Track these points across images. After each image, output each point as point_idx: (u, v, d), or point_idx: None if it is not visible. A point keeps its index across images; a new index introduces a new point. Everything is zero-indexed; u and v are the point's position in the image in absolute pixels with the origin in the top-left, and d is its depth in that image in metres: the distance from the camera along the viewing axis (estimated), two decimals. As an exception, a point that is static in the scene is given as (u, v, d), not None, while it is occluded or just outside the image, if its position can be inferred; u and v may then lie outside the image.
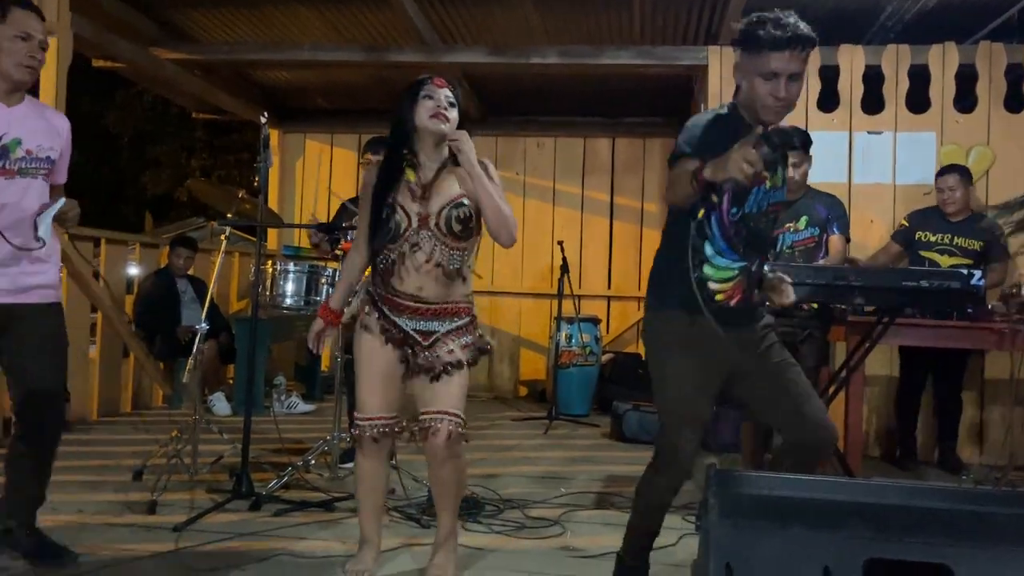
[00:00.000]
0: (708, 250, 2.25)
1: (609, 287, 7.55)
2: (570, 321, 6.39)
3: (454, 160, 2.52)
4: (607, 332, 7.33)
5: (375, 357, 2.56)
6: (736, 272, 2.27)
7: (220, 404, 5.77)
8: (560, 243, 6.41)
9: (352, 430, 2.64)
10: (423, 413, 2.53)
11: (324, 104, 8.07)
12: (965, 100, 5.22)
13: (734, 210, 2.22)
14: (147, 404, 6.01)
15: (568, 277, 6.24)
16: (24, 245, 2.57)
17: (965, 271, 3.29)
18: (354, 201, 4.28)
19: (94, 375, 5.45)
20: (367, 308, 2.61)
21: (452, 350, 2.52)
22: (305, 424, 5.55)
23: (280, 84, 7.45)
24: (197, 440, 3.79)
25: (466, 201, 2.52)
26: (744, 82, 2.24)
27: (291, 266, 3.76)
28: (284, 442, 4.24)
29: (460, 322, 2.57)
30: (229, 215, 3.80)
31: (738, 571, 1.51)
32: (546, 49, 5.79)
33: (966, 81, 5.22)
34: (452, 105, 2.52)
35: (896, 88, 5.22)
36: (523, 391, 7.60)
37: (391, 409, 2.59)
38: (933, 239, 4.66)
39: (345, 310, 2.75)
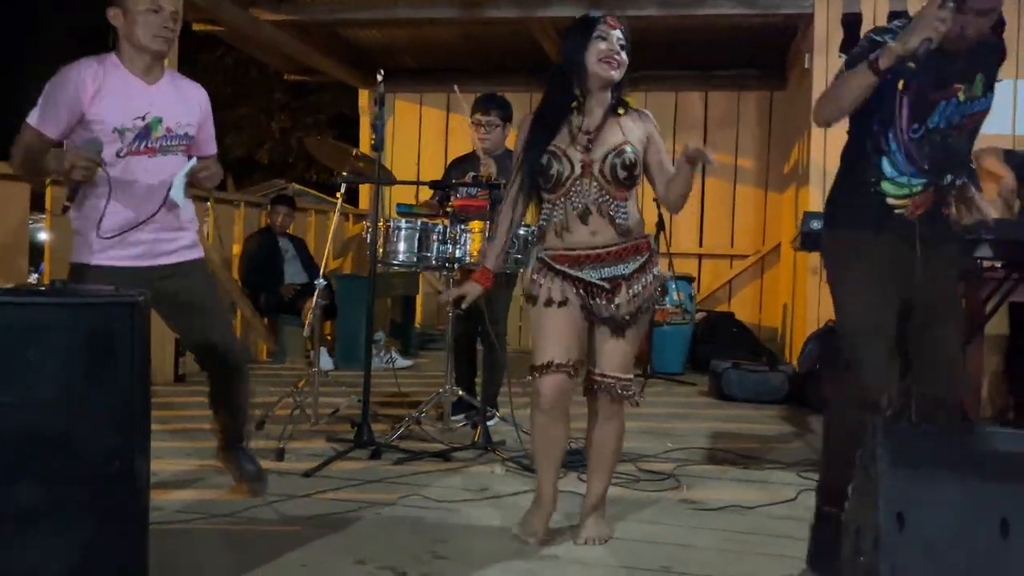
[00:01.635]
0: (887, 167, 2.23)
1: (701, 245, 7.46)
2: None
3: (621, 106, 2.43)
4: (699, 291, 7.26)
5: (556, 314, 2.47)
6: (920, 187, 2.22)
7: (323, 359, 5.94)
8: (656, 200, 6.34)
9: (531, 374, 2.50)
10: (593, 373, 2.51)
11: (412, 64, 8.11)
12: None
13: (915, 126, 2.18)
14: (253, 359, 6.23)
15: (664, 234, 6.18)
16: (172, 218, 2.69)
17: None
18: (463, 158, 4.33)
19: (205, 331, 5.67)
20: (536, 276, 2.50)
21: (636, 294, 2.44)
22: (405, 378, 5.66)
23: (371, 44, 7.52)
24: (317, 392, 3.93)
25: (629, 149, 2.41)
26: None
27: (403, 223, 3.82)
28: (400, 395, 4.35)
29: (642, 259, 2.48)
30: (344, 172, 3.87)
31: (910, 521, 1.50)
32: (643, 2, 5.69)
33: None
34: (623, 47, 2.40)
35: (1018, 33, 4.98)
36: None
37: (572, 356, 2.47)
38: None
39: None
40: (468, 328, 4.19)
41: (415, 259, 3.85)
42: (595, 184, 2.41)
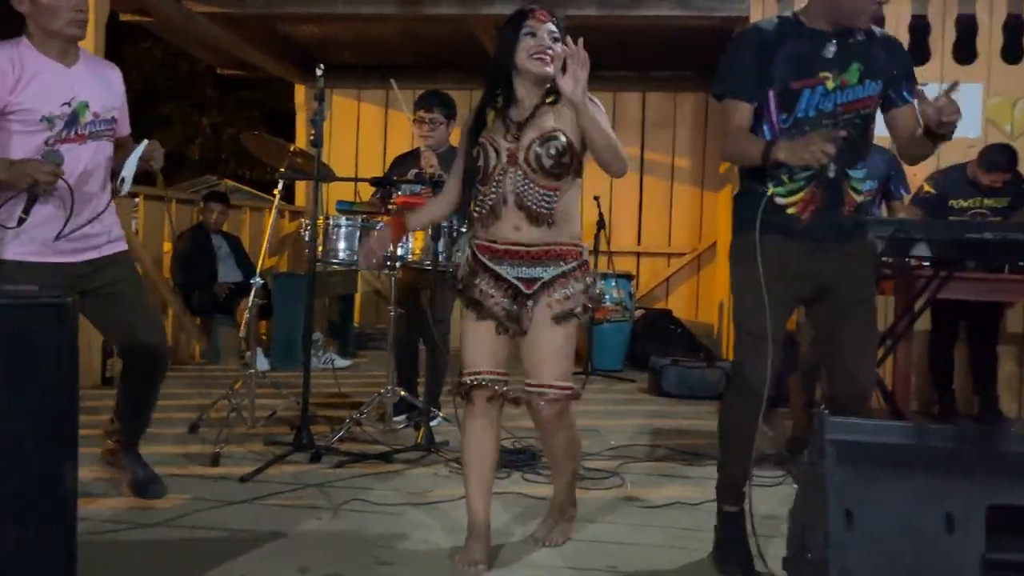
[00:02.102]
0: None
1: (639, 243, 7.53)
2: (604, 277, 6.39)
3: (553, 97, 2.33)
4: (637, 288, 7.32)
5: (480, 319, 2.40)
6: (803, 182, 2.23)
7: (258, 360, 5.80)
8: (596, 199, 6.38)
9: (457, 390, 2.44)
10: (528, 384, 2.38)
11: (350, 59, 7.98)
12: (1012, 50, 5.14)
13: (783, 116, 2.21)
14: (184, 360, 6.05)
15: (604, 233, 6.22)
16: (96, 207, 2.58)
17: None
18: (406, 156, 4.27)
19: (135, 331, 5.49)
20: (463, 264, 2.43)
21: (557, 300, 2.33)
22: (344, 379, 5.57)
23: (308, 38, 7.37)
24: (254, 394, 3.83)
25: (560, 136, 2.30)
26: None
27: (344, 221, 3.74)
28: (340, 396, 4.27)
29: (566, 267, 2.35)
30: (283, 169, 3.78)
31: (859, 517, 1.52)
32: (583, 1, 5.70)
33: (1013, 31, 5.13)
34: (556, 40, 2.32)
35: (943, 39, 5.13)
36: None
37: (499, 365, 2.40)
38: (966, 204, 4.59)
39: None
40: (411, 327, 4.13)
41: (356, 257, 3.78)
42: (520, 173, 2.31)
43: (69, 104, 2.51)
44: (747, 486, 2.35)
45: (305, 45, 7.54)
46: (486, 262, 2.38)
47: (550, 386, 2.34)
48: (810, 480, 1.69)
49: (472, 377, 2.38)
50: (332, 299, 6.85)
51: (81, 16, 2.52)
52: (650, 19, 5.72)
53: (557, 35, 2.33)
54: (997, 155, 4.51)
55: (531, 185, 2.32)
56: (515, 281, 2.35)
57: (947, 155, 5.03)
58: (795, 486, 3.20)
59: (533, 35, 2.31)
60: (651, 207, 7.55)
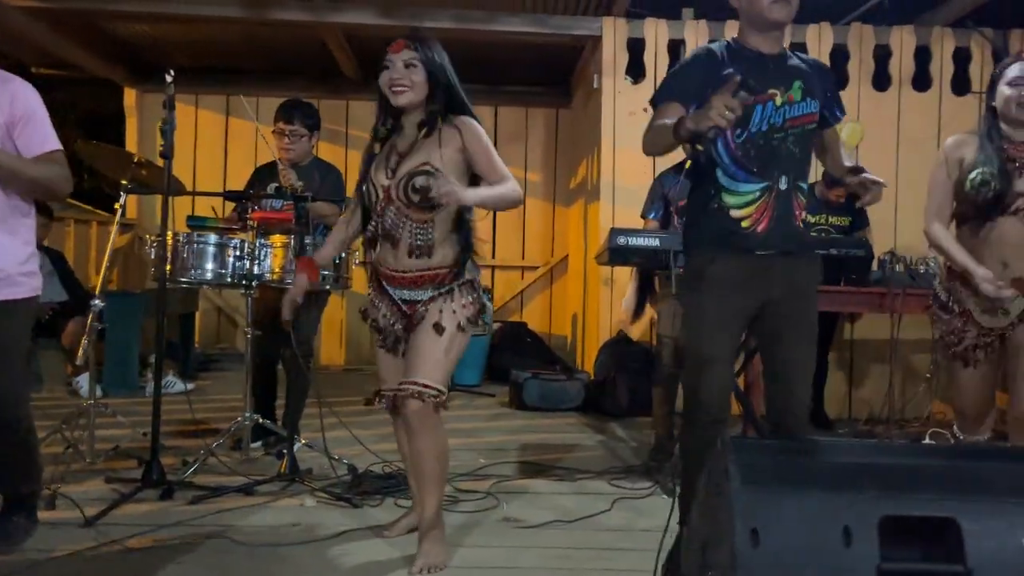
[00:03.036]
0: (721, 177, 2.28)
1: (493, 256, 7.54)
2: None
3: (426, 126, 2.40)
4: (493, 302, 7.34)
5: (383, 346, 2.62)
6: (757, 193, 2.28)
7: (88, 386, 5.33)
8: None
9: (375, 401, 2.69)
10: (400, 383, 2.46)
11: (184, 62, 7.53)
12: (839, 78, 5.55)
13: (739, 131, 2.26)
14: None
15: (460, 247, 6.18)
16: None
17: (863, 239, 3.52)
18: (265, 168, 4.06)
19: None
20: (370, 287, 2.62)
21: (431, 315, 2.44)
22: (185, 405, 5.22)
23: (138, 38, 6.89)
24: (93, 425, 3.50)
25: (430, 168, 2.35)
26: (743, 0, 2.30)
27: (195, 237, 3.49)
28: (189, 423, 3.96)
29: (444, 289, 2.46)
30: (124, 181, 3.48)
31: (764, 536, 1.54)
32: (439, 13, 5.65)
33: (839, 60, 5.56)
34: (411, 66, 2.38)
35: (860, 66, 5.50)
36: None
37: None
38: (812, 220, 4.91)
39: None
40: (269, 349, 3.92)
41: (209, 276, 3.54)
42: (394, 208, 2.43)
43: None
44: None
45: (133, 46, 7.04)
46: (382, 283, 2.54)
47: (413, 382, 2.39)
48: (711, 500, 1.70)
49: (386, 392, 2.60)
50: (171, 318, 6.41)
51: None
52: (505, 34, 5.74)
53: (414, 61, 2.39)
54: None
55: (405, 220, 2.42)
56: (400, 303, 2.51)
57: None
58: (664, 496, 3.30)
59: (388, 68, 2.41)
60: (505, 221, 7.58)
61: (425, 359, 2.41)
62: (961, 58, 5.62)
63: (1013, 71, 2.60)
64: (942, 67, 5.61)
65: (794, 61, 2.37)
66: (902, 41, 5.58)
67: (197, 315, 6.81)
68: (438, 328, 2.41)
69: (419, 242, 2.42)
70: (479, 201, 2.39)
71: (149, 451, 3.23)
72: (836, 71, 5.47)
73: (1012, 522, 1.53)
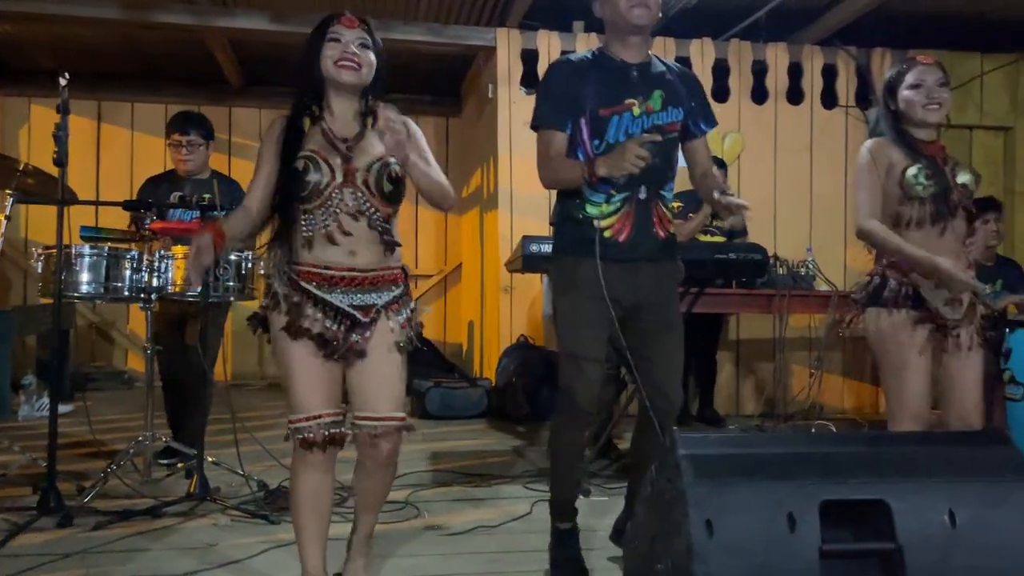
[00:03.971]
0: (584, 188, 2.32)
1: (386, 265, 7.48)
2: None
3: (374, 117, 2.19)
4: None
5: (308, 353, 2.14)
6: (618, 204, 2.32)
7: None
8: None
9: (291, 437, 2.15)
10: (364, 417, 2.15)
11: (50, 64, 7.10)
12: (721, 91, 5.84)
13: (596, 142, 2.31)
14: None
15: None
16: None
17: (758, 244, 3.73)
18: (160, 178, 3.89)
19: None
20: (278, 295, 2.16)
21: (392, 328, 2.16)
22: (68, 427, 4.92)
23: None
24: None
25: (392, 161, 2.15)
26: (605, 5, 2.35)
27: (87, 249, 3.30)
28: (93, 445, 3.72)
29: (397, 292, 2.21)
30: (8, 192, 3.26)
31: (717, 526, 1.62)
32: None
33: (721, 74, 5.85)
34: (365, 47, 2.17)
35: (739, 80, 5.74)
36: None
37: (336, 404, 2.17)
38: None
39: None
40: (171, 365, 3.75)
41: (102, 290, 3.35)
42: (358, 194, 2.13)
43: None
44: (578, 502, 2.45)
45: (-7, 45, 6.59)
46: (313, 291, 2.14)
47: (390, 418, 2.15)
48: (662, 495, 1.77)
49: (310, 422, 2.12)
50: (43, 336, 6.03)
51: None
52: (399, 43, 5.73)
53: (367, 42, 2.19)
54: None
55: (369, 207, 2.14)
56: (350, 310, 2.14)
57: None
58: (581, 496, 3.37)
59: (338, 40, 2.16)
60: (398, 229, 7.53)
61: (395, 383, 2.18)
62: (829, 74, 6.03)
63: (912, 76, 2.67)
64: (813, 82, 6.00)
65: (659, 69, 2.41)
66: (776, 57, 5.93)
67: (72, 332, 6.42)
68: (402, 345, 2.19)
69: (388, 236, 2.16)
70: (422, 165, 2.17)
71: (43, 477, 3.04)
72: (718, 85, 5.76)
73: (937, 500, 1.67)
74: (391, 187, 2.15)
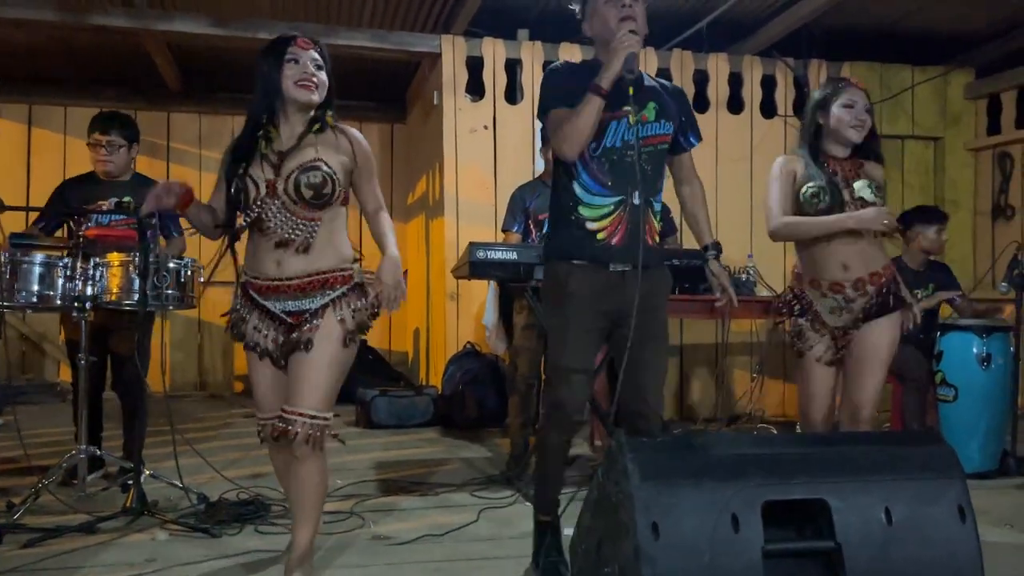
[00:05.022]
0: (578, 190, 2.36)
1: (330, 273, 7.40)
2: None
3: (318, 126, 2.32)
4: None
5: (260, 363, 2.39)
6: (611, 207, 2.35)
7: None
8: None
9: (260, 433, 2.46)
10: (283, 409, 2.29)
11: (-22, 67, 6.89)
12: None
13: (593, 146, 2.34)
14: None
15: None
16: None
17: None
18: (80, 180, 3.80)
19: None
20: (238, 303, 2.39)
21: (318, 325, 2.27)
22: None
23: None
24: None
25: (323, 166, 2.27)
26: (595, 22, 2.40)
27: (20, 256, 3.19)
28: (11, 461, 3.59)
29: (333, 295, 2.30)
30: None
31: (664, 528, 1.63)
32: (275, 24, 5.49)
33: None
34: (320, 67, 2.32)
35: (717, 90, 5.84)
36: (239, 386, 7.20)
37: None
38: None
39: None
40: (98, 375, 3.65)
41: (34, 299, 3.25)
42: (279, 203, 2.27)
43: None
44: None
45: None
46: (255, 297, 2.36)
47: (300, 413, 2.27)
48: (608, 498, 1.78)
49: (269, 420, 2.39)
50: (-29, 348, 5.81)
51: None
52: (345, 48, 5.67)
53: (320, 63, 2.34)
54: None
55: (290, 216, 2.28)
56: (282, 315, 2.33)
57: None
58: (527, 504, 3.37)
59: (296, 62, 2.30)
60: (343, 230, 7.46)
61: (316, 379, 2.27)
62: (768, 84, 6.17)
63: (845, 96, 2.84)
64: (752, 92, 6.12)
65: (650, 83, 2.49)
66: (718, 67, 6.04)
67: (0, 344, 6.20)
68: (324, 346, 2.28)
69: (307, 240, 2.27)
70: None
71: (-29, 494, 2.92)
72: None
73: (872, 498, 1.72)
74: (311, 192, 2.26)
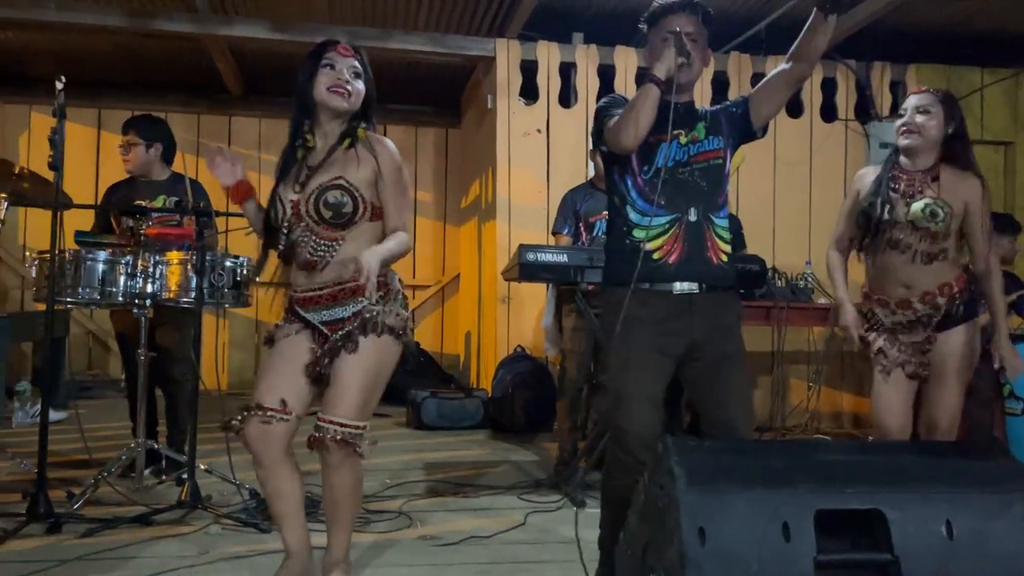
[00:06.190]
0: (631, 213, 2.32)
1: (384, 276, 7.46)
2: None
3: (352, 137, 2.27)
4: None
5: (272, 353, 2.34)
6: (666, 225, 2.29)
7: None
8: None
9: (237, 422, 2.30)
10: (318, 417, 2.24)
11: (53, 72, 7.09)
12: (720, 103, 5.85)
13: (644, 168, 2.32)
14: None
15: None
16: None
17: (756, 256, 3.71)
18: (123, 183, 3.94)
19: None
20: (283, 325, 2.37)
21: (355, 338, 2.22)
22: (60, 434, 4.89)
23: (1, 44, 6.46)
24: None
25: (344, 183, 2.22)
26: (648, 53, 2.40)
27: (84, 254, 3.29)
28: (90, 451, 3.67)
29: (366, 302, 2.23)
30: (3, 195, 3.25)
31: (710, 534, 1.59)
32: (332, 28, 5.57)
33: (720, 86, 5.85)
34: (358, 76, 2.27)
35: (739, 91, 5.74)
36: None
37: (282, 404, 2.25)
38: None
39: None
40: (153, 372, 3.73)
41: (98, 296, 3.33)
42: (303, 224, 2.26)
43: None
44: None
45: (-5, 52, 6.60)
46: (299, 311, 2.33)
47: (332, 421, 2.21)
48: (655, 503, 1.75)
49: (248, 410, 2.27)
50: (37, 343, 6.00)
51: None
52: (400, 52, 5.73)
53: (359, 71, 2.30)
54: None
55: (312, 237, 2.27)
56: (320, 326, 2.29)
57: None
58: (574, 508, 3.34)
59: (332, 67, 2.27)
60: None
61: (351, 387, 2.22)
62: (828, 87, 6.03)
63: (904, 104, 2.80)
64: (812, 95, 6.00)
65: (701, 108, 2.43)
66: (777, 70, 5.93)
67: (67, 339, 6.39)
68: (356, 355, 2.23)
69: (322, 257, 2.26)
70: (385, 260, 2.19)
71: (34, 483, 3.00)
72: (717, 97, 5.76)
73: (933, 510, 1.65)
74: (329, 213, 2.23)
